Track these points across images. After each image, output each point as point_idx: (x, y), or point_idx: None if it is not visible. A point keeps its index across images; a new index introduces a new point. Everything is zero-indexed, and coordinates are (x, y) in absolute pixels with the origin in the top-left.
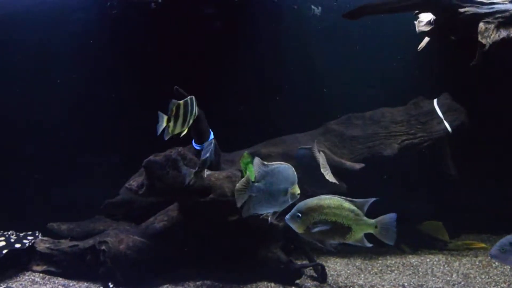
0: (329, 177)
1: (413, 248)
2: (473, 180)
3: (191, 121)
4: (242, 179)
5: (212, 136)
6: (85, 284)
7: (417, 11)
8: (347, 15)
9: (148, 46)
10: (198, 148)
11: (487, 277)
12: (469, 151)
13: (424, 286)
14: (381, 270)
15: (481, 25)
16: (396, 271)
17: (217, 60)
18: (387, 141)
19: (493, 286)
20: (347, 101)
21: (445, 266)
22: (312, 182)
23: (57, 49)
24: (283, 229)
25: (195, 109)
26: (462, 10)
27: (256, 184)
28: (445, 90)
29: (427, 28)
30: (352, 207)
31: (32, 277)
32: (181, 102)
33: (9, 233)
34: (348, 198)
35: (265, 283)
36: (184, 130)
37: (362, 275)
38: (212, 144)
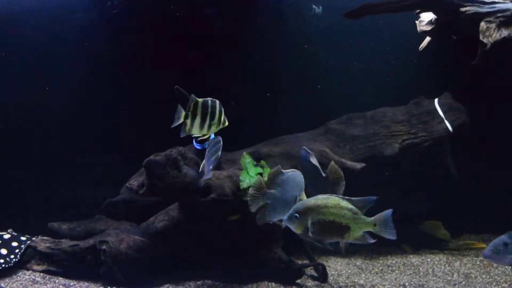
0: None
1: (414, 247)
2: (474, 179)
3: (213, 127)
4: (255, 183)
5: (212, 136)
6: (86, 283)
7: (418, 11)
8: (348, 14)
9: (149, 45)
10: (198, 147)
11: (488, 276)
12: (470, 151)
13: (425, 286)
14: (382, 269)
15: (482, 24)
16: (397, 271)
17: (217, 59)
18: (388, 141)
19: (494, 286)
20: (347, 100)
21: (446, 266)
22: (314, 185)
23: (58, 48)
24: (284, 229)
25: (223, 117)
26: (463, 9)
27: (271, 191)
28: (446, 89)
29: (428, 28)
30: (350, 206)
31: (33, 277)
32: (200, 100)
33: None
34: (346, 197)
35: (266, 282)
36: (204, 134)
37: (363, 275)
38: (221, 142)
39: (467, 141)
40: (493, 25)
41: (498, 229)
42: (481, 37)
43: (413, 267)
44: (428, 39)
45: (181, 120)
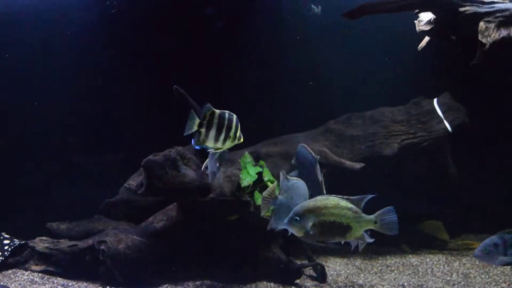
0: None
1: (413, 248)
2: (473, 179)
3: (228, 142)
4: (269, 188)
5: None
6: (84, 284)
7: (417, 11)
8: (347, 14)
9: (148, 44)
10: (197, 147)
11: (487, 276)
12: (469, 151)
13: (424, 286)
14: (381, 270)
15: (482, 24)
16: (396, 271)
17: (217, 59)
18: (387, 141)
19: (493, 285)
20: (347, 100)
21: (445, 265)
22: (309, 184)
23: (57, 48)
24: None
25: (239, 133)
26: (462, 9)
27: (280, 197)
28: (445, 89)
29: (427, 28)
30: (350, 205)
31: (31, 277)
32: (217, 111)
33: None
34: (345, 197)
35: (265, 282)
36: (219, 148)
37: (362, 275)
38: None
39: (466, 141)
40: (492, 25)
41: (497, 229)
42: (480, 37)
43: (412, 267)
44: (427, 39)
45: (195, 128)
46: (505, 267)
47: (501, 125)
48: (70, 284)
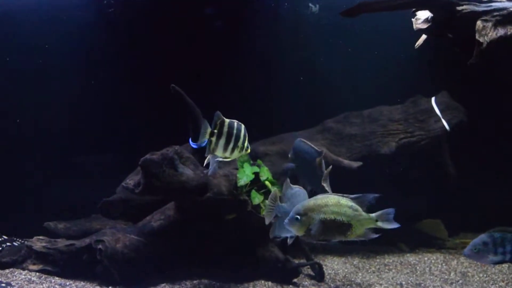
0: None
1: (411, 246)
2: (471, 178)
3: (236, 151)
4: (271, 195)
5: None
6: (82, 283)
7: (414, 9)
8: (345, 13)
9: (145, 43)
10: (195, 146)
11: (485, 275)
12: (467, 149)
13: (422, 284)
14: (378, 268)
15: (479, 23)
16: (394, 270)
17: (215, 57)
18: (385, 139)
19: (491, 284)
20: (345, 98)
21: (443, 264)
22: (306, 177)
23: (55, 47)
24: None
25: (247, 143)
26: (459, 8)
27: (283, 205)
28: (443, 88)
29: (424, 26)
30: (350, 203)
31: (29, 276)
32: (227, 120)
33: None
34: (345, 195)
35: (263, 281)
36: (228, 157)
37: (360, 274)
38: None
39: (464, 139)
40: (490, 24)
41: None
42: (477, 36)
43: (410, 266)
44: (424, 37)
45: (206, 137)
46: (503, 266)
47: (500, 125)
48: (67, 284)
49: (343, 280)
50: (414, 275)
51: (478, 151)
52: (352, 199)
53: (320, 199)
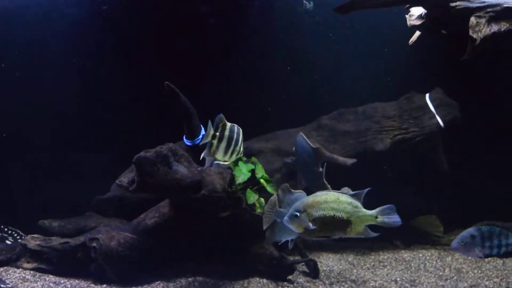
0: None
1: (405, 243)
2: (466, 174)
3: (233, 155)
4: (270, 201)
5: (203, 132)
6: (76, 281)
7: (408, 5)
8: (338, 9)
9: (140, 41)
10: (189, 144)
11: (479, 271)
12: (461, 146)
13: (417, 281)
14: (373, 265)
15: (472, 19)
16: (388, 266)
17: (210, 55)
18: (379, 136)
19: (486, 280)
20: (339, 95)
21: (438, 261)
22: (306, 175)
23: (49, 45)
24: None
25: (241, 147)
26: (453, 4)
27: (283, 210)
28: (437, 84)
29: (418, 22)
30: (350, 199)
31: (23, 275)
32: (228, 124)
33: None
34: (344, 191)
35: (257, 278)
36: (226, 160)
37: (355, 271)
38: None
39: (458, 136)
40: (483, 20)
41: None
42: (470, 32)
43: (404, 262)
44: (418, 33)
45: (209, 139)
46: (497, 262)
47: (494, 121)
48: (62, 282)
49: (337, 277)
50: (408, 272)
51: (472, 147)
52: (351, 195)
53: (320, 196)
